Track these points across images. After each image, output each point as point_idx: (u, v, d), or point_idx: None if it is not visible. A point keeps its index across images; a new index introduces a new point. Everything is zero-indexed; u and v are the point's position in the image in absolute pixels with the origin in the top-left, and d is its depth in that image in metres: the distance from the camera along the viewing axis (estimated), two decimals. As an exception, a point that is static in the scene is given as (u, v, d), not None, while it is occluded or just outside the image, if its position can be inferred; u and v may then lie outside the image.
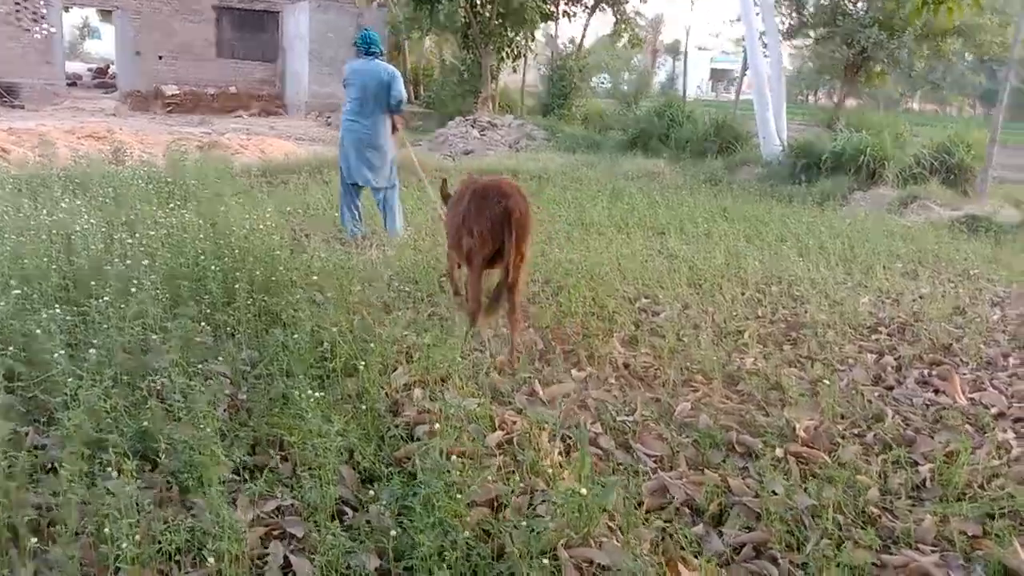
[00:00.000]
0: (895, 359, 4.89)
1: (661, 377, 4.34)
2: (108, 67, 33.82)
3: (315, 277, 5.01)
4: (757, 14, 12.77)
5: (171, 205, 6.36)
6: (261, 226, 5.62)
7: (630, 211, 8.96)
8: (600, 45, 26.46)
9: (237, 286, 4.47)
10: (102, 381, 3.20)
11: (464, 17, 17.95)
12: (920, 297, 6.32)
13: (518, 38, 19.14)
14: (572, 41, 20.53)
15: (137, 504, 2.51)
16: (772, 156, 12.74)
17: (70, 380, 3.17)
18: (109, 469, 2.70)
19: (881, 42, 13.71)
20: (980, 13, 12.57)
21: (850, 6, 14.35)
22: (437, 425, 3.19)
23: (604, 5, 20.71)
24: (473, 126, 16.35)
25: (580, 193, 10.00)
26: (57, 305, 3.81)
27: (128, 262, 4.49)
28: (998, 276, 7.24)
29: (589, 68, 19.85)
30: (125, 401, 3.24)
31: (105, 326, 3.74)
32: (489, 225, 4.36)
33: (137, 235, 5.20)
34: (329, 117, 21.74)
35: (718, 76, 75.69)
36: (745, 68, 14.21)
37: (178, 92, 22.52)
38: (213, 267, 4.68)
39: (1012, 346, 5.26)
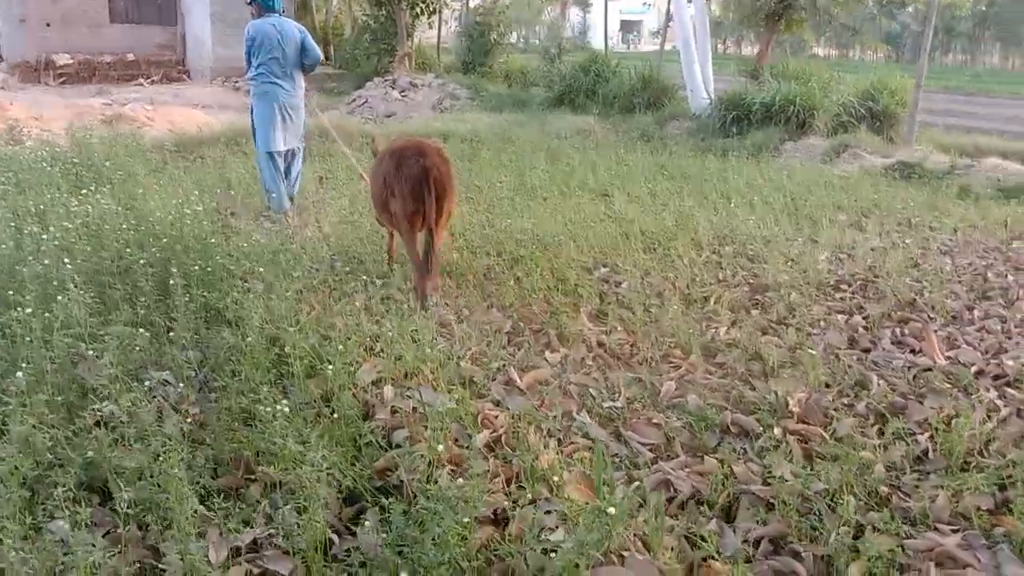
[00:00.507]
0: (863, 318, 4.81)
1: (638, 354, 4.14)
2: (-11, 35, 31.50)
3: (260, 269, 4.60)
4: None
5: (83, 191, 5.79)
6: (187, 210, 5.16)
7: (570, 173, 8.72)
8: (511, -1, 25.94)
9: (171, 282, 4.05)
10: (34, 407, 2.80)
11: (376, -28, 17.21)
12: (872, 250, 6.29)
13: (433, -7, 18.51)
14: None
15: (96, 562, 2.17)
16: (700, 109, 12.65)
17: (-5, 410, 2.77)
18: (58, 518, 2.33)
19: (801, -12, 13.73)
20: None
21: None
22: (429, 438, 2.90)
23: (519, -43, 20.20)
24: (393, 87, 15.73)
25: (516, 155, 9.70)
26: (-32, 319, 3.36)
27: (46, 261, 4.01)
28: (939, 224, 7.30)
29: (509, 23, 19.34)
30: (64, 429, 2.85)
31: (29, 339, 3.30)
32: (409, 185, 4.41)
33: (51, 228, 4.69)
34: (237, 82, 20.68)
35: (627, 27, 75.83)
36: (669, 19, 14.04)
37: (71, 61, 21.04)
38: (141, 261, 4.24)
39: (972, 298, 5.26)
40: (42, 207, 5.26)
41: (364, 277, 5.04)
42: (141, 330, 3.50)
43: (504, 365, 3.88)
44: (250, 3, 6.97)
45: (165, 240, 4.62)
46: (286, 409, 2.86)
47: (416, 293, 4.69)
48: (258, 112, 7.03)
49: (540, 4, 27.25)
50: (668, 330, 4.39)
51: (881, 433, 3.38)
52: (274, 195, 7.06)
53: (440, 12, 19.50)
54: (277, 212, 6.96)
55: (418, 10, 18.80)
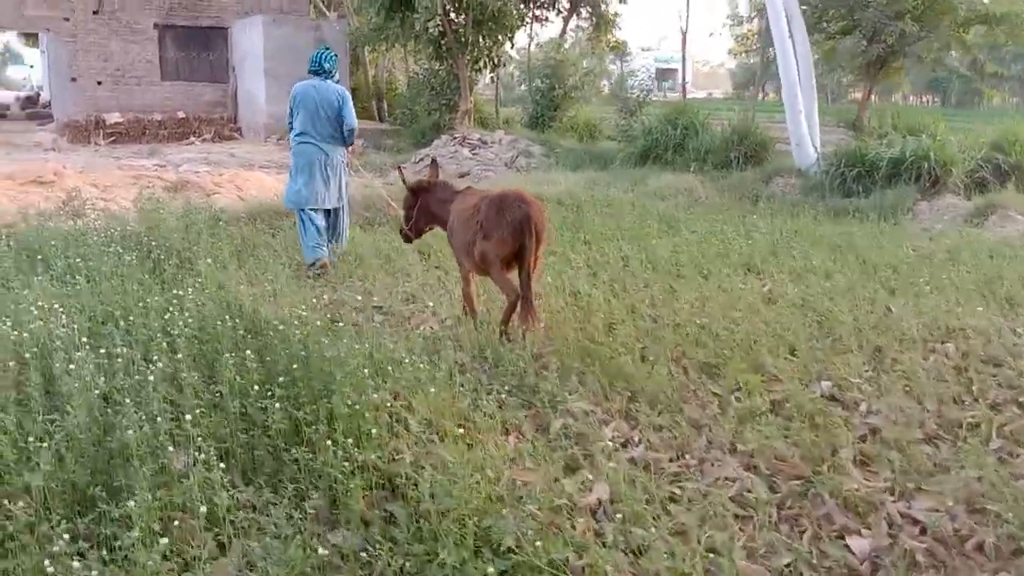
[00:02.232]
0: None
1: (968, 535, 2.96)
2: (38, 95, 31.53)
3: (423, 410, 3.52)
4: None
5: (173, 289, 4.79)
6: (318, 321, 4.12)
7: (698, 243, 7.62)
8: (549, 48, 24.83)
9: (314, 433, 3.00)
10: None
11: (439, 26, 16.47)
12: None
13: (497, 46, 17.69)
14: (560, 47, 19.12)
15: None
16: (807, 165, 11.54)
17: None
18: None
19: (910, 35, 12.63)
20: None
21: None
22: None
23: (581, 8, 19.44)
24: (462, 144, 14.81)
25: (625, 221, 8.64)
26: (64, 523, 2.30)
27: (157, 419, 2.95)
28: None
29: (586, 75, 18.37)
30: None
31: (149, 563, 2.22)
32: (511, 229, 4.63)
33: (144, 351, 3.66)
34: (291, 140, 20.02)
35: (663, 76, 75.42)
36: (772, 65, 13.01)
37: (121, 120, 20.56)
38: (277, 404, 3.18)
39: None
40: (130, 317, 4.23)
41: (510, 385, 4.03)
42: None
43: (795, 562, 2.73)
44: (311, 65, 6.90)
45: (296, 366, 3.55)
46: None
47: (505, 328, 4.90)
48: (294, 170, 6.94)
49: (576, 55, 26.38)
50: (977, 490, 3.22)
51: None
52: (311, 246, 6.81)
53: (504, 65, 18.68)
54: (309, 265, 6.74)
55: (480, 64, 18.01)
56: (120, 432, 2.89)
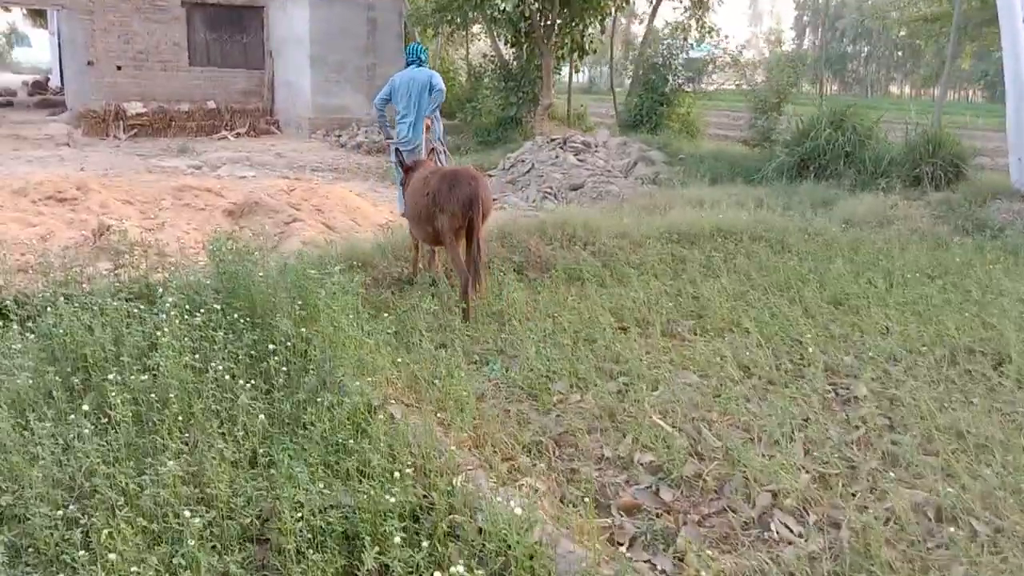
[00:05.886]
0: None
1: None
2: (47, 80, 29.05)
3: None
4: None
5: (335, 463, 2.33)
6: None
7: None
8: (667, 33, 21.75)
9: None
10: None
11: (520, 6, 13.96)
12: None
13: (589, 30, 15.14)
14: (676, 30, 16.43)
15: None
16: (1027, 184, 9.04)
17: None
18: None
19: None
20: None
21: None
22: None
23: (673, -12, 16.83)
24: (563, 147, 12.25)
25: (870, 271, 6.13)
26: None
27: None
28: None
29: (708, 64, 15.75)
30: None
31: None
32: (460, 203, 4.99)
33: None
34: (339, 135, 17.50)
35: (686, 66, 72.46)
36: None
37: (145, 110, 18.04)
38: None
39: None
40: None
41: None
42: None
43: None
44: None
45: None
46: None
47: (464, 298, 5.01)
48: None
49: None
50: None
51: None
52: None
53: (594, 52, 16.04)
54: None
55: (564, 51, 15.43)
56: None
